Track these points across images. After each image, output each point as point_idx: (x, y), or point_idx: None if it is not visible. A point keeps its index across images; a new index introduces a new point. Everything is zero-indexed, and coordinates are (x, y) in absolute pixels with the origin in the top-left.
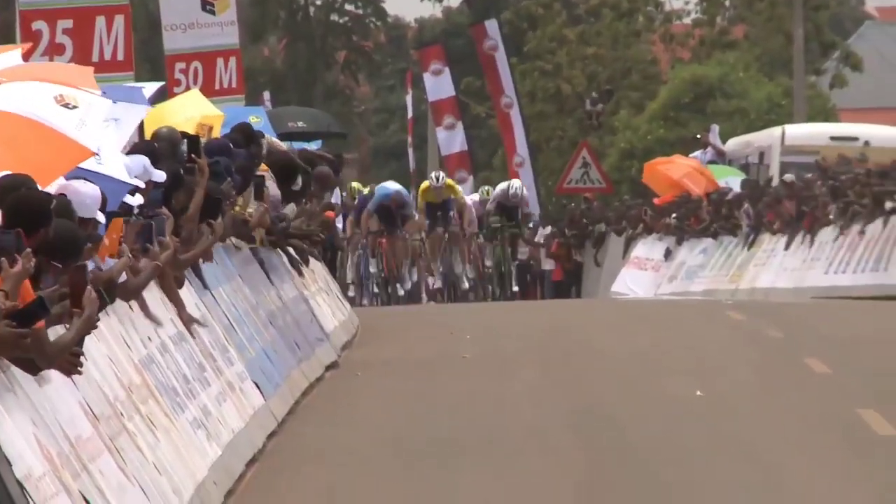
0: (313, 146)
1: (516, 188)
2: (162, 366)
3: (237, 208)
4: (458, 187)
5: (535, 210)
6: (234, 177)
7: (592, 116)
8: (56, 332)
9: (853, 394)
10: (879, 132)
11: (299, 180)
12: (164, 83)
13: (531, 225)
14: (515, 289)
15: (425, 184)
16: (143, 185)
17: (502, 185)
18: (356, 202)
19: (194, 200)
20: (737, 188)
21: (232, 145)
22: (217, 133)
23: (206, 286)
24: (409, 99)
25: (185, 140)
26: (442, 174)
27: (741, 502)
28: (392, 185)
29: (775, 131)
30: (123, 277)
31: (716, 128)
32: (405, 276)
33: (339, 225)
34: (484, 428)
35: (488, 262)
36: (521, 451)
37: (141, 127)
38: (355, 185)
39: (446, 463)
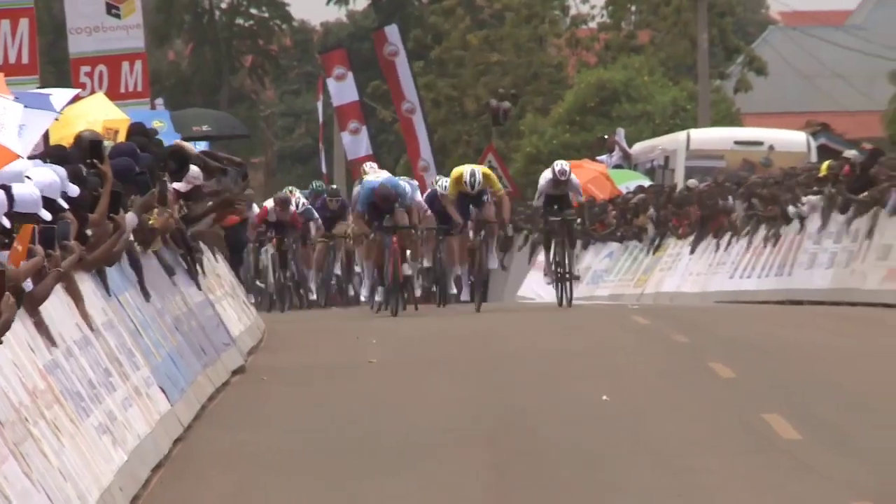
0: (202, 146)
1: (563, 165)
2: (67, 371)
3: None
4: (495, 176)
5: None
6: (139, 178)
7: (499, 115)
8: None
9: (758, 398)
10: (783, 136)
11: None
12: (78, 91)
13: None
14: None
15: (458, 171)
16: (64, 205)
17: (547, 172)
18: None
19: (100, 204)
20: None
21: (138, 149)
22: (123, 137)
23: (110, 292)
24: (319, 105)
25: (89, 145)
26: (477, 172)
27: None
28: (375, 178)
29: (680, 135)
30: (30, 284)
31: (622, 131)
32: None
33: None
34: (390, 432)
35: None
36: (428, 454)
37: (46, 134)
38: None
39: (352, 466)
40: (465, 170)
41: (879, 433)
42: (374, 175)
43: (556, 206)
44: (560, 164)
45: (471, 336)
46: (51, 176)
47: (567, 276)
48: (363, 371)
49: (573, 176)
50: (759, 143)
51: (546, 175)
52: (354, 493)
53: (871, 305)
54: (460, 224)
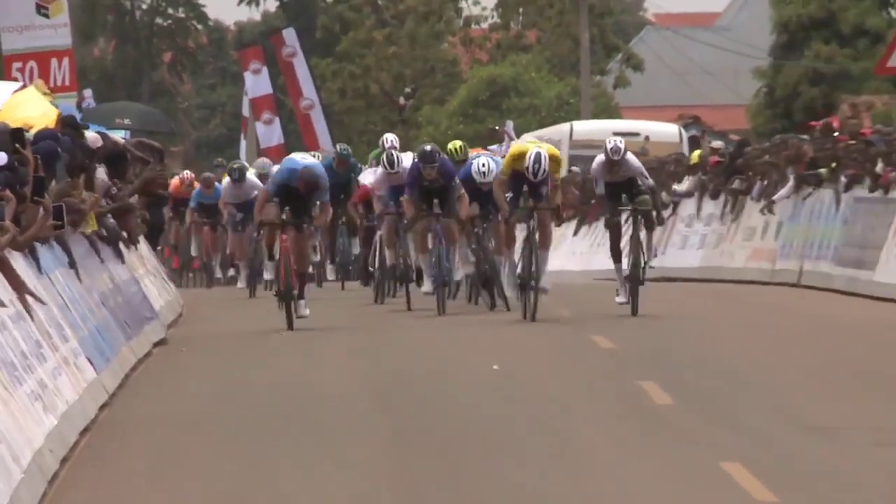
0: (121, 133)
1: (616, 141)
2: (1, 342)
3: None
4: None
5: None
6: (61, 157)
7: (402, 109)
8: None
9: (635, 367)
10: (658, 128)
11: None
12: (21, 84)
13: None
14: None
15: (519, 150)
16: None
17: (599, 155)
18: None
19: (27, 188)
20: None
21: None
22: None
23: (41, 270)
24: (245, 98)
25: (10, 133)
26: (543, 155)
27: (532, 468)
28: (302, 159)
29: (564, 127)
30: None
31: (510, 123)
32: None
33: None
34: (296, 400)
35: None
36: (331, 421)
37: None
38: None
39: (261, 431)
40: (529, 151)
41: (745, 400)
42: (301, 156)
43: (622, 195)
44: (613, 141)
45: (371, 311)
46: None
47: (639, 278)
48: (273, 343)
49: (630, 155)
50: (636, 134)
51: (599, 158)
52: (260, 458)
53: (738, 282)
54: (506, 213)
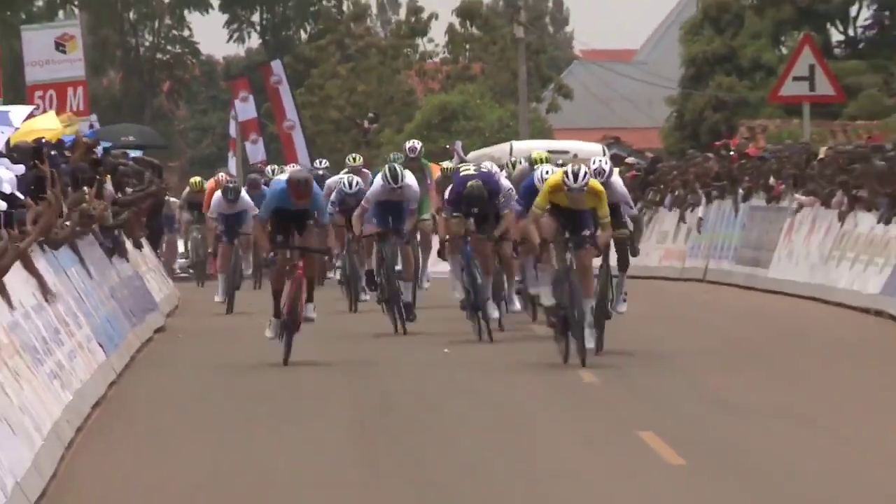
0: (137, 153)
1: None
2: (25, 329)
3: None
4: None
5: None
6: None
7: (367, 133)
8: None
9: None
10: (584, 147)
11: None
12: (34, 107)
13: None
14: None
15: (554, 178)
16: (21, 196)
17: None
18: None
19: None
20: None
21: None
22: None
23: (61, 267)
24: (232, 121)
25: (31, 149)
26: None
27: (479, 440)
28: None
29: (505, 146)
30: None
31: (459, 143)
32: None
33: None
34: (275, 381)
35: None
36: (305, 396)
37: (7, 141)
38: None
39: (244, 407)
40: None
41: (660, 377)
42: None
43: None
44: (598, 162)
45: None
46: (8, 174)
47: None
48: (258, 332)
49: (616, 177)
50: (566, 152)
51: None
52: (242, 424)
53: (653, 278)
54: (536, 250)
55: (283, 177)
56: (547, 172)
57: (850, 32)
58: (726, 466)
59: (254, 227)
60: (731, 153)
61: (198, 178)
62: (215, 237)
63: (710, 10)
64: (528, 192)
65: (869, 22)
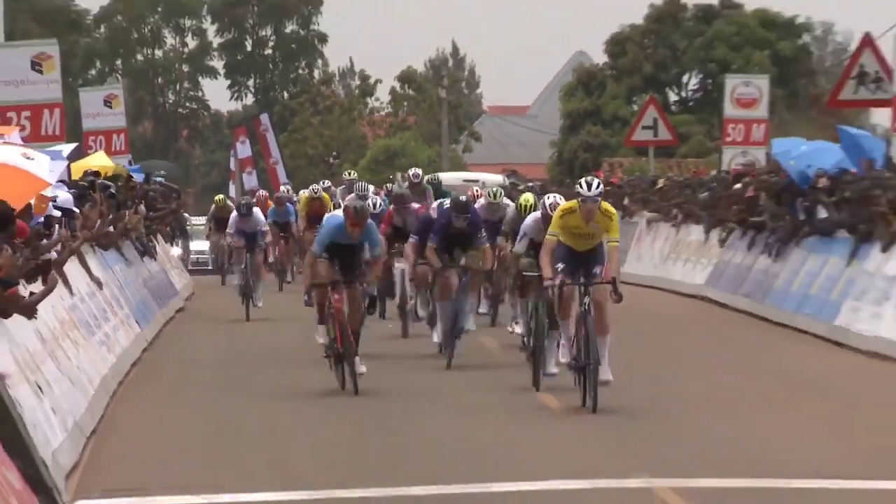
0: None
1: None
2: (81, 309)
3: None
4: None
5: None
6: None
7: (330, 167)
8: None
9: (491, 340)
10: (490, 177)
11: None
12: (77, 144)
13: None
14: None
15: (568, 203)
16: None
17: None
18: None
19: (95, 213)
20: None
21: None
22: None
23: (108, 264)
24: (232, 158)
25: (89, 182)
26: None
27: (435, 420)
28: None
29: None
30: (54, 255)
31: (399, 174)
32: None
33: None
34: (273, 351)
35: None
36: (295, 369)
37: (69, 171)
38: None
39: (248, 371)
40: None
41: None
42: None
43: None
44: (552, 197)
45: None
46: (66, 195)
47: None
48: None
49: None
50: (477, 181)
51: (535, 216)
52: (245, 385)
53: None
54: (552, 283)
55: (339, 212)
56: (551, 200)
57: (683, 94)
58: None
59: (306, 262)
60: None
61: (220, 196)
62: (233, 250)
63: (581, 77)
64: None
65: (696, 87)
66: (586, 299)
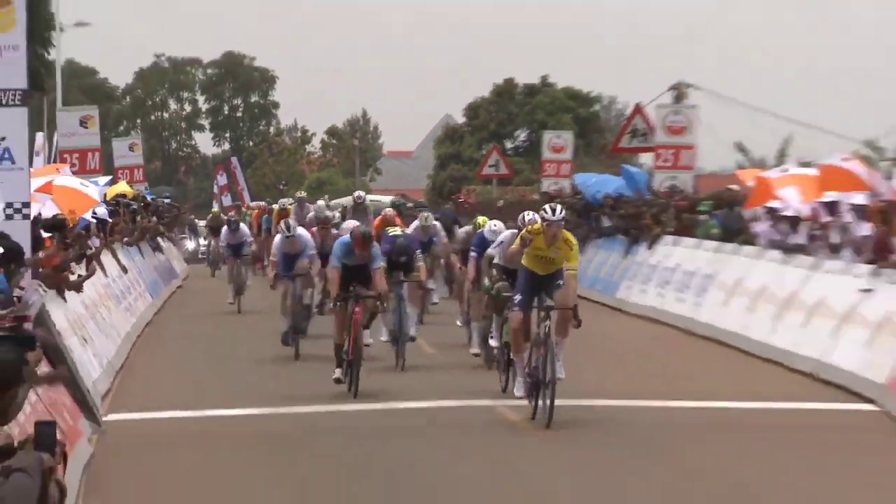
0: (167, 198)
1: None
2: (112, 287)
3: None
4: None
5: None
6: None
7: (281, 192)
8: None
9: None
10: (386, 198)
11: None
12: (110, 177)
13: None
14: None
15: (533, 226)
16: (109, 220)
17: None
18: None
19: (120, 221)
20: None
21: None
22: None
23: (131, 256)
24: (215, 185)
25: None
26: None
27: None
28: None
29: (348, 198)
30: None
31: (326, 196)
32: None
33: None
34: (257, 320)
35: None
36: (276, 318)
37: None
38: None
39: (234, 324)
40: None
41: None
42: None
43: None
44: (530, 215)
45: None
46: (103, 210)
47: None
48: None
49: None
50: (379, 200)
51: (508, 234)
52: (230, 347)
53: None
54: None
55: (346, 237)
56: (495, 225)
57: (516, 144)
58: None
59: (329, 273)
60: (462, 202)
61: (216, 209)
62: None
63: (448, 131)
64: (480, 241)
65: (525, 139)
66: (547, 322)
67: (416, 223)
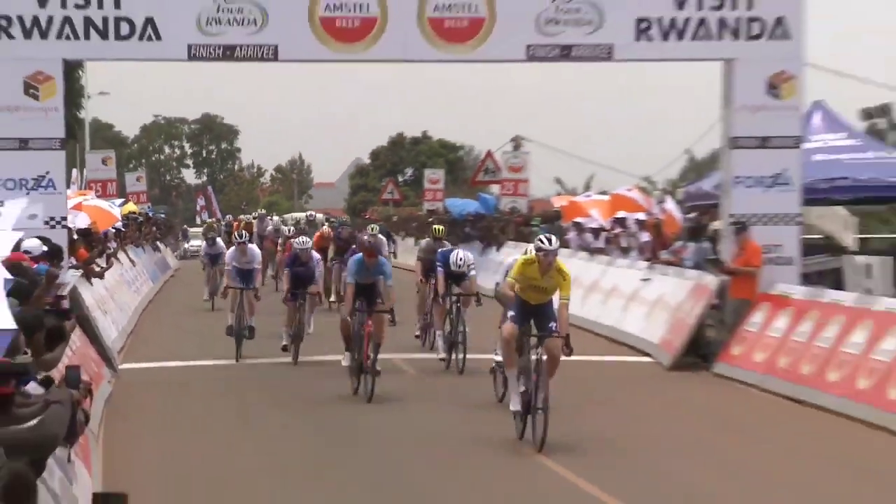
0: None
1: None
2: (125, 275)
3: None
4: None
5: None
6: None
7: (243, 210)
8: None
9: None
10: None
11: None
12: (123, 200)
13: None
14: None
15: (528, 256)
16: (122, 228)
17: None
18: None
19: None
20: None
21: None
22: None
23: (138, 255)
24: (197, 206)
25: (126, 216)
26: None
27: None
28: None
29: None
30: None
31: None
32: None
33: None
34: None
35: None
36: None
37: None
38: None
39: (219, 302)
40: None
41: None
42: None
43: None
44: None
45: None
46: (118, 223)
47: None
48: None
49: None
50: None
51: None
52: (220, 320)
53: None
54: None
55: (359, 255)
56: (460, 257)
57: (406, 178)
58: None
59: (346, 288)
60: (367, 217)
61: (210, 221)
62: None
63: (358, 169)
64: (444, 256)
65: (411, 175)
66: (539, 349)
67: (366, 235)
